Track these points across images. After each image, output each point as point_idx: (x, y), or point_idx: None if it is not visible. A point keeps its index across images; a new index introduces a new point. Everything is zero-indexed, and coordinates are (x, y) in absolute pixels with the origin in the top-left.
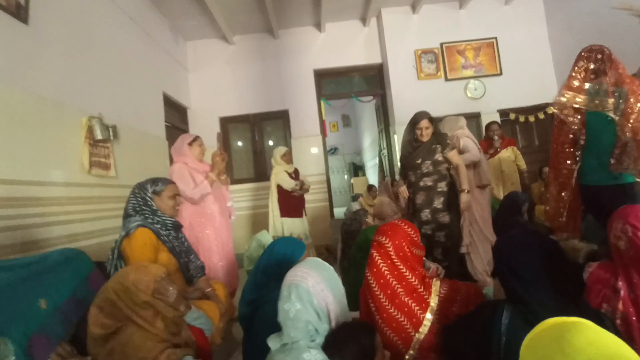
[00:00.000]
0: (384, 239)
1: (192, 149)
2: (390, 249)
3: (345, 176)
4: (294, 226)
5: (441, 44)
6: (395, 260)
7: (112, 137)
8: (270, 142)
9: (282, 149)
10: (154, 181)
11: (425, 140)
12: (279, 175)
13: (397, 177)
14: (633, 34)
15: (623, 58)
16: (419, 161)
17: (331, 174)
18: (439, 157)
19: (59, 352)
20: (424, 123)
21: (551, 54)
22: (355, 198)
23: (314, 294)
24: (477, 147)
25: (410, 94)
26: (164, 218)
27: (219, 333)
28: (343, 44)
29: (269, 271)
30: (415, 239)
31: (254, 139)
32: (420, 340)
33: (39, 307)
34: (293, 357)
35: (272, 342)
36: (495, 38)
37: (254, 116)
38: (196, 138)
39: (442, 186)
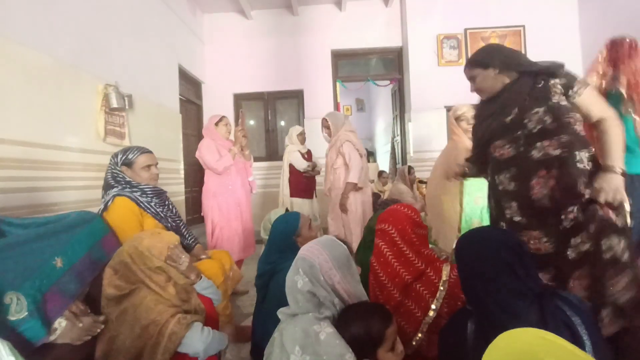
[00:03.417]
0: (386, 225)
1: (218, 128)
2: (395, 235)
3: None
4: (303, 207)
5: (465, 30)
6: (401, 246)
7: (127, 107)
8: (283, 122)
9: (298, 128)
10: (125, 152)
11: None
12: (292, 155)
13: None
14: None
15: None
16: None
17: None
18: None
19: (72, 309)
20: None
21: (580, 45)
22: None
23: (321, 271)
24: (361, 153)
25: (429, 80)
26: (142, 186)
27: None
28: (363, 24)
29: (277, 246)
30: (417, 219)
31: (266, 118)
32: (429, 324)
33: (55, 264)
34: (302, 327)
35: (282, 314)
36: (523, 26)
37: (269, 94)
38: (222, 118)
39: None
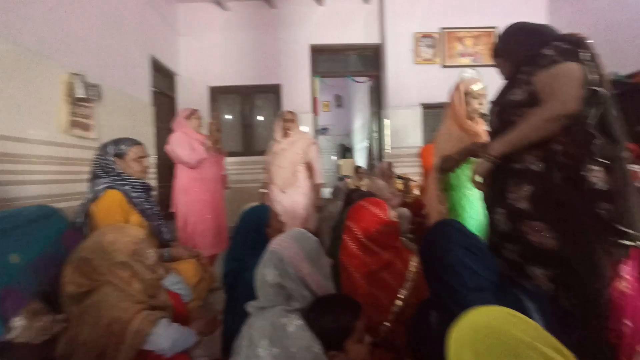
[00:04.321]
0: (351, 223)
1: (189, 122)
2: (359, 233)
3: (333, 157)
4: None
5: (441, 29)
6: (366, 242)
7: (94, 97)
8: (261, 117)
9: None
10: (116, 142)
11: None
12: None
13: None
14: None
15: (626, 57)
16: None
17: (320, 154)
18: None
19: (30, 308)
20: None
21: None
22: (342, 179)
23: (291, 263)
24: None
25: (406, 78)
26: (132, 180)
27: (198, 296)
28: (342, 20)
29: (246, 240)
30: (383, 216)
31: (243, 112)
32: (396, 313)
33: (11, 261)
34: (271, 320)
35: (251, 307)
36: (496, 28)
37: (246, 88)
38: (194, 111)
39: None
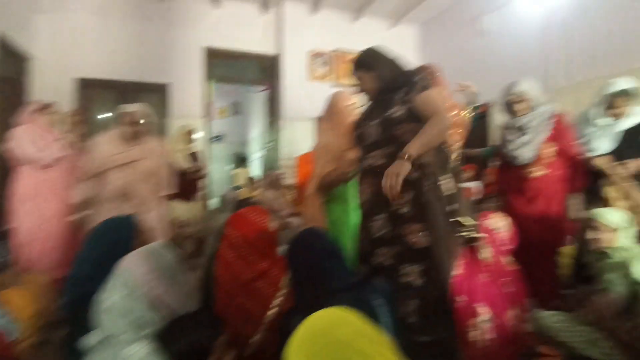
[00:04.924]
0: (231, 229)
1: (40, 117)
2: (236, 240)
3: (228, 166)
4: (180, 211)
5: (334, 50)
6: (243, 249)
7: None
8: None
9: (186, 126)
10: None
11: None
12: (175, 155)
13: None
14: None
15: (481, 86)
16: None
17: (213, 162)
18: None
19: None
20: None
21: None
22: (236, 189)
23: (142, 283)
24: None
25: (300, 92)
26: None
27: (32, 332)
28: (240, 26)
29: (101, 260)
30: (263, 224)
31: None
32: (269, 322)
33: None
34: (111, 353)
35: (90, 339)
36: None
37: (125, 85)
38: (47, 106)
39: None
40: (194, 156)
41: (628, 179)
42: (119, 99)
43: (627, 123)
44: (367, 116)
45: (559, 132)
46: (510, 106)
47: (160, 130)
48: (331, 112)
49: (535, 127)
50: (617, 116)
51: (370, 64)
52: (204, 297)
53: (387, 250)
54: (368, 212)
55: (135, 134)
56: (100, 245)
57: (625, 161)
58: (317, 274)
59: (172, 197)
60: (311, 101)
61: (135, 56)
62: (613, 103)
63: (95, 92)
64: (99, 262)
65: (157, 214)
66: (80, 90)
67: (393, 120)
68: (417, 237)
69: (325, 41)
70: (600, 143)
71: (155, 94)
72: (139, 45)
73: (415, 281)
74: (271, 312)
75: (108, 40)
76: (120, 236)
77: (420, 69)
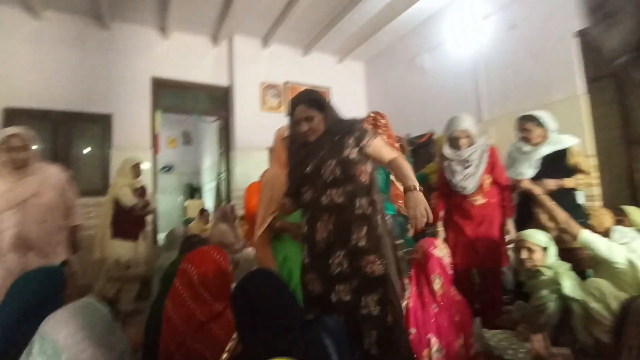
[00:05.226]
0: (189, 266)
1: None
2: (195, 278)
3: (179, 198)
4: (126, 250)
5: (285, 82)
6: (199, 288)
7: None
8: (87, 149)
9: (133, 159)
10: None
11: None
12: (121, 190)
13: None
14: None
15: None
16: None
17: (163, 194)
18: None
19: None
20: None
21: (366, 109)
22: (188, 222)
23: (64, 346)
24: None
25: (253, 122)
26: None
27: None
28: (190, 58)
29: (27, 316)
30: (224, 264)
31: (56, 143)
32: None
33: None
34: None
35: None
36: (329, 88)
37: (60, 114)
38: None
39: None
40: (141, 191)
41: (549, 199)
42: (53, 130)
43: (545, 150)
44: (314, 156)
45: (493, 163)
46: (455, 140)
47: (103, 162)
48: (273, 147)
49: (476, 159)
50: (529, 141)
51: (322, 106)
52: (147, 343)
53: (346, 286)
54: (325, 250)
55: (21, 162)
56: (21, 298)
57: (542, 180)
58: (267, 314)
59: (116, 235)
60: (264, 132)
61: (74, 85)
62: (521, 126)
63: (24, 122)
64: (17, 322)
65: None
66: (6, 121)
67: (351, 162)
68: (375, 266)
69: (276, 73)
70: (524, 169)
71: (97, 124)
72: (80, 74)
73: (373, 310)
74: (224, 357)
75: (43, 69)
76: (43, 291)
77: (364, 119)
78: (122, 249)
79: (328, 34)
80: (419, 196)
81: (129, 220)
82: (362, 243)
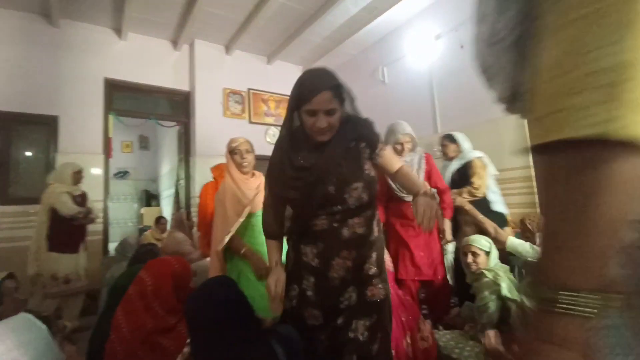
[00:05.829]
0: (146, 275)
1: None
2: (149, 288)
3: (136, 205)
4: (64, 264)
5: (248, 89)
6: (152, 301)
7: None
8: (29, 153)
9: (75, 166)
10: None
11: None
12: (59, 198)
13: (193, 209)
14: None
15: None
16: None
17: (117, 201)
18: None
19: None
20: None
21: None
22: (144, 230)
23: None
24: None
25: (214, 128)
26: None
27: None
28: (148, 61)
29: None
30: (184, 276)
31: None
32: None
33: None
34: None
35: None
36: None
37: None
38: None
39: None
40: (81, 198)
41: (478, 212)
42: None
43: (455, 165)
44: (329, 170)
45: (430, 170)
46: (400, 145)
47: (47, 167)
48: (226, 156)
49: (416, 164)
50: (445, 155)
51: (343, 99)
52: (91, 351)
53: (346, 313)
54: (338, 288)
55: None
56: None
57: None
58: (220, 324)
59: (52, 248)
60: (225, 138)
61: (17, 84)
62: (440, 142)
63: None
64: None
65: None
66: None
67: (373, 181)
68: (376, 289)
69: (239, 80)
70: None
71: (42, 126)
72: (23, 73)
73: (361, 336)
74: None
75: None
76: None
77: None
78: (59, 263)
79: (291, 44)
80: (431, 199)
81: (67, 231)
82: (372, 271)
